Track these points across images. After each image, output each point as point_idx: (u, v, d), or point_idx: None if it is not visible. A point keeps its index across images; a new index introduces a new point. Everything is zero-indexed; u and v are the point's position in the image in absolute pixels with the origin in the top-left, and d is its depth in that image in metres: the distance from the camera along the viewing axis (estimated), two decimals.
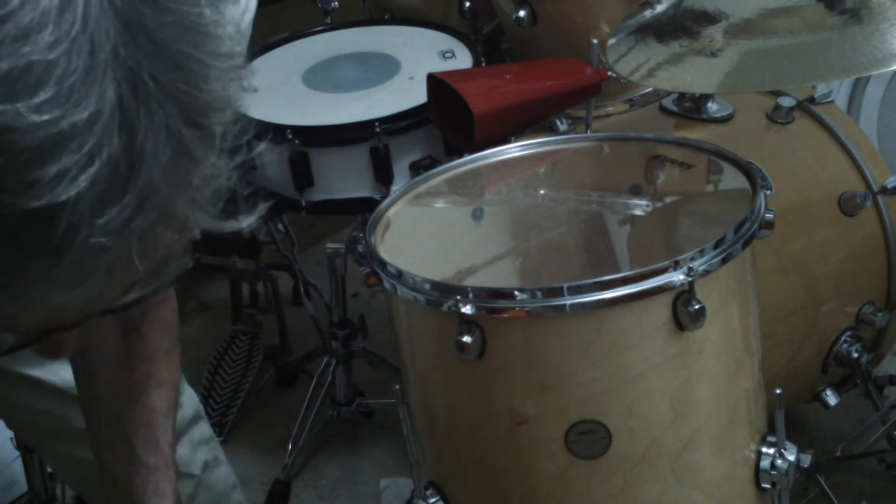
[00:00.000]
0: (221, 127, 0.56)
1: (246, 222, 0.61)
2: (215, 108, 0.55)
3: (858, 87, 2.42)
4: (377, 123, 1.77)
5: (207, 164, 0.56)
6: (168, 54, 0.53)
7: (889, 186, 1.67)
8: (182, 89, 0.53)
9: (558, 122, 1.79)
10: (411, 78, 1.90)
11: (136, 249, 0.54)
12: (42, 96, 0.48)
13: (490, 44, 2.18)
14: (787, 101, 1.72)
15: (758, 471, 1.25)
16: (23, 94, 0.48)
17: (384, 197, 1.53)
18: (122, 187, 0.51)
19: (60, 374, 1.31)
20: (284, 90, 1.95)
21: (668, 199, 1.40)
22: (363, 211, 1.81)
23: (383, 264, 1.22)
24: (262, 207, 0.61)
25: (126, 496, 1.12)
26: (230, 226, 0.60)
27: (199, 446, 1.54)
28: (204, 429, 1.57)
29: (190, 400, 1.54)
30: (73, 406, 1.33)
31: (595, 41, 1.67)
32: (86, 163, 0.50)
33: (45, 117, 0.49)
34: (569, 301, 1.12)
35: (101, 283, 0.54)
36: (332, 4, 2.15)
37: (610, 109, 1.85)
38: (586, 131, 1.68)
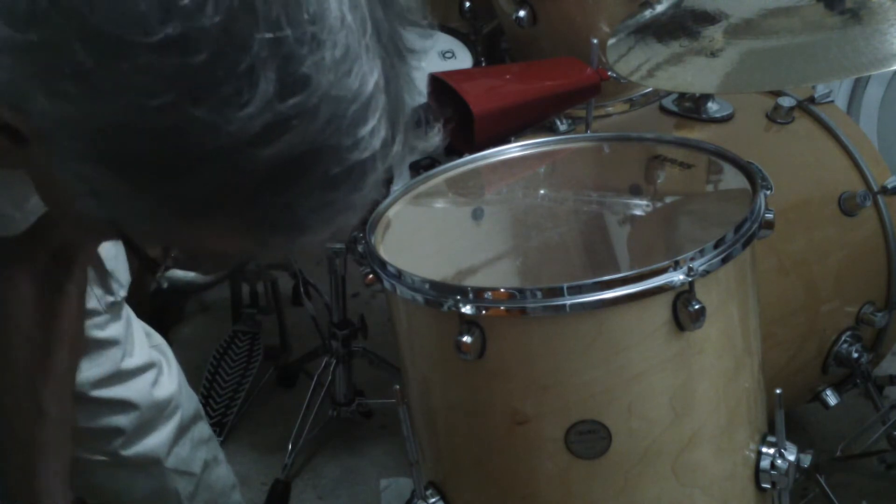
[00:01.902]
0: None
1: (437, 140, 0.77)
2: (418, 56, 0.71)
3: (858, 87, 2.42)
4: None
5: (417, 99, 0.71)
6: (399, 22, 0.68)
7: (889, 186, 1.67)
8: (407, 48, 0.69)
9: (558, 122, 1.79)
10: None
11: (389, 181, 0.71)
12: (356, 70, 0.63)
13: (490, 44, 2.18)
14: (787, 101, 1.72)
15: (758, 471, 1.25)
16: (349, 72, 0.63)
17: (384, 197, 1.53)
18: (395, 132, 0.67)
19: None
20: None
21: (668, 199, 1.40)
22: None
23: (383, 264, 1.22)
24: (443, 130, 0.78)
25: (25, 446, 1.14)
26: (430, 144, 0.76)
27: (198, 446, 1.55)
28: (203, 428, 1.57)
29: (190, 400, 1.55)
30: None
31: (595, 41, 1.67)
32: (380, 118, 0.65)
33: (362, 88, 0.63)
34: (569, 301, 1.12)
35: (367, 208, 0.70)
36: None
37: (610, 109, 1.85)
38: (586, 131, 1.68)
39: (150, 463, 1.46)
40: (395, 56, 0.67)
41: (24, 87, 0.61)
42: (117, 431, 1.41)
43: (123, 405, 1.41)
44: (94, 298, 1.33)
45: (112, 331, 1.38)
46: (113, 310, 1.38)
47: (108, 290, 1.35)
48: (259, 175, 0.63)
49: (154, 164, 0.62)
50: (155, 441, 1.46)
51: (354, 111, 0.63)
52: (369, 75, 0.64)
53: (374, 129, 0.65)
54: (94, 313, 1.34)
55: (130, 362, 1.42)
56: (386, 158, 0.67)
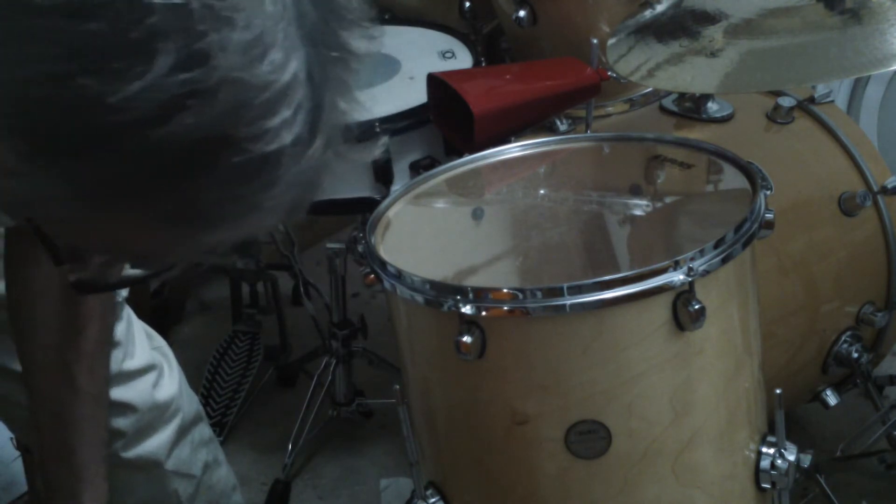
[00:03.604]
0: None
1: (378, 149, 0.73)
2: (359, 59, 0.67)
3: (858, 87, 2.42)
4: (377, 123, 1.77)
5: (353, 104, 0.68)
6: (336, 17, 0.65)
7: (889, 186, 1.67)
8: (344, 46, 0.66)
9: (558, 122, 1.79)
10: (411, 78, 1.90)
11: (315, 182, 0.66)
12: (269, 58, 0.60)
13: (490, 44, 2.18)
14: (787, 101, 1.72)
15: (758, 471, 1.26)
16: (259, 58, 0.59)
17: (384, 197, 1.53)
18: (314, 131, 0.64)
19: None
20: None
21: (668, 199, 1.40)
22: (363, 211, 1.81)
23: (383, 264, 1.22)
24: (385, 139, 0.74)
25: (59, 420, 1.14)
26: (369, 153, 0.76)
27: (199, 448, 1.55)
28: (204, 430, 1.57)
29: (190, 402, 1.55)
30: None
31: (595, 41, 1.67)
32: (295, 112, 0.61)
33: (274, 77, 0.60)
34: (569, 301, 1.12)
35: (286, 211, 0.66)
36: None
37: (610, 109, 1.85)
38: (586, 131, 1.68)
39: (150, 465, 1.46)
40: (324, 52, 0.64)
41: None
42: (117, 433, 1.41)
43: (124, 407, 1.41)
44: None
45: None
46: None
47: None
48: (156, 159, 0.59)
49: (54, 139, 0.59)
50: (155, 443, 1.46)
51: (263, 100, 0.60)
52: (285, 64, 0.61)
53: (284, 123, 0.61)
54: None
55: (131, 364, 1.42)
56: (299, 158, 0.63)
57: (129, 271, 0.77)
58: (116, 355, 1.39)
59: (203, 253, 0.68)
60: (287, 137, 0.61)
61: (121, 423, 1.41)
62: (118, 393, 1.39)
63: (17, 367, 1.29)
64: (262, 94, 0.60)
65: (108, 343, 1.22)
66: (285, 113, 0.61)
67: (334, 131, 0.66)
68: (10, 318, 1.21)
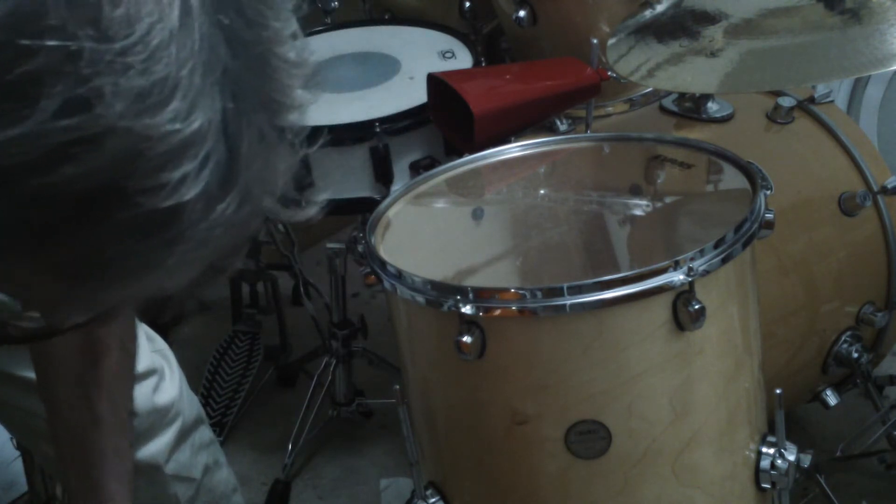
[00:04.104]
0: (295, 127, 0.63)
1: (313, 211, 0.68)
2: (294, 111, 0.62)
3: (858, 87, 2.41)
4: (377, 123, 1.77)
5: (286, 161, 0.63)
6: (262, 67, 0.60)
7: (889, 186, 1.67)
8: (273, 98, 0.60)
9: (558, 122, 1.79)
10: (411, 78, 1.90)
11: (233, 241, 0.62)
12: (171, 108, 0.55)
13: (490, 44, 2.18)
14: (787, 101, 1.72)
15: (758, 471, 1.25)
16: (157, 106, 0.54)
17: (384, 197, 1.53)
18: (227, 187, 0.59)
19: None
20: None
21: (668, 199, 1.40)
22: (363, 211, 1.81)
23: (383, 264, 1.22)
24: (324, 200, 0.69)
25: (85, 453, 1.13)
26: (301, 215, 0.68)
27: (199, 450, 1.54)
28: (204, 432, 1.56)
29: (191, 405, 1.54)
30: None
31: (595, 41, 1.67)
32: (201, 166, 0.57)
33: (174, 127, 0.55)
34: (569, 301, 1.12)
35: (198, 269, 0.62)
36: (332, 4, 2.14)
37: (610, 109, 1.85)
38: (586, 131, 1.68)
39: (150, 469, 1.44)
40: (244, 103, 0.59)
41: None
42: None
43: None
44: None
45: None
46: None
47: None
48: (44, 208, 0.55)
49: None
50: (155, 448, 1.44)
51: (160, 151, 0.55)
52: (189, 114, 0.55)
53: (186, 177, 0.56)
54: None
55: None
56: (207, 214, 0.58)
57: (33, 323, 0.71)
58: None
59: (113, 306, 0.64)
60: (189, 192, 0.56)
61: None
62: None
63: (19, 372, 1.29)
64: (159, 146, 0.55)
65: (130, 371, 1.19)
66: (187, 166, 0.56)
67: (257, 186, 0.61)
68: (32, 357, 1.19)
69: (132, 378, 1.20)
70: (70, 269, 0.59)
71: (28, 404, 1.32)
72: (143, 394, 1.39)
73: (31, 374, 1.28)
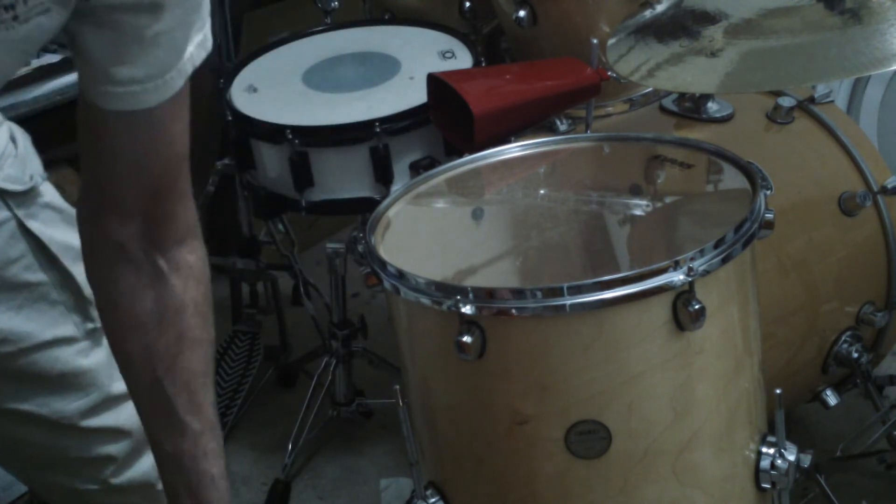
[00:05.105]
0: None
1: None
2: None
3: (858, 87, 2.41)
4: (377, 123, 1.77)
5: None
6: None
7: (889, 186, 1.67)
8: None
9: (558, 122, 1.79)
10: (411, 78, 1.90)
11: None
12: None
13: (490, 44, 2.18)
14: (787, 101, 1.72)
15: (758, 471, 1.25)
16: None
17: (384, 197, 1.53)
18: None
19: (51, 405, 1.29)
20: (284, 90, 1.95)
21: (668, 199, 1.40)
22: (363, 211, 1.81)
23: (383, 264, 1.22)
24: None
25: (175, 462, 1.10)
26: None
27: None
28: None
29: None
30: (64, 436, 1.31)
31: (595, 41, 1.67)
32: None
33: None
34: (569, 301, 1.12)
35: None
36: (332, 4, 2.15)
37: (610, 109, 1.85)
38: (586, 131, 1.68)
39: (143, 488, 1.41)
40: None
41: None
42: (109, 459, 1.35)
43: (115, 433, 1.34)
44: (73, 326, 1.30)
45: (96, 356, 1.31)
46: (94, 335, 1.32)
47: (87, 317, 1.30)
48: None
49: None
50: (147, 465, 1.38)
51: None
52: None
53: None
54: (73, 341, 1.30)
55: (119, 386, 1.32)
56: None
57: None
58: (102, 380, 1.33)
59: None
60: None
61: (112, 449, 1.34)
62: (108, 419, 1.33)
63: (17, 406, 1.27)
64: None
65: (210, 369, 1.13)
66: None
67: None
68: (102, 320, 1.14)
69: (208, 379, 1.13)
70: None
71: (22, 436, 1.30)
72: (133, 412, 1.35)
73: (22, 406, 1.27)
